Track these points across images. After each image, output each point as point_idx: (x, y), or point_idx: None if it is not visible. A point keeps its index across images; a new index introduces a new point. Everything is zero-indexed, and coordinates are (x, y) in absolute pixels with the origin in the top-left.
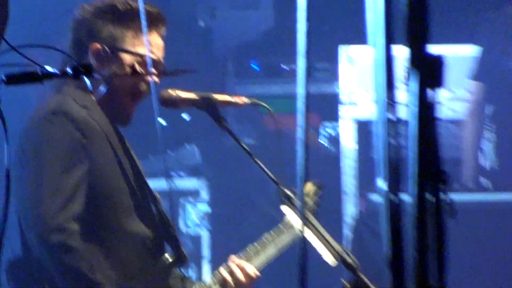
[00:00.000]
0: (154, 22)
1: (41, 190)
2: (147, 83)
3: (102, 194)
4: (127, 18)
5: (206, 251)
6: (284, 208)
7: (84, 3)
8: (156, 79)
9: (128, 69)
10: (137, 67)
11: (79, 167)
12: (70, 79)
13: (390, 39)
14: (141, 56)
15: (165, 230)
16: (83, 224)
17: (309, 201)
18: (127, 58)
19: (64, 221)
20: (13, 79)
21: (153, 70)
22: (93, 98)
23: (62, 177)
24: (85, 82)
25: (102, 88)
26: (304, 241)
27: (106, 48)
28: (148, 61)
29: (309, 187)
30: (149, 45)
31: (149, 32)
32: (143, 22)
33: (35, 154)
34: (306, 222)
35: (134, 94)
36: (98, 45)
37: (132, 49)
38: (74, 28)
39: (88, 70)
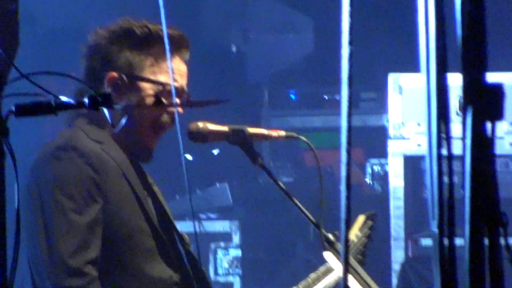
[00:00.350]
0: (176, 46)
1: (53, 233)
2: (170, 114)
3: (120, 235)
4: (146, 43)
5: None
6: (326, 255)
7: (98, 28)
8: (180, 109)
9: (148, 99)
10: (159, 97)
11: (93, 206)
12: (85, 111)
13: (443, 67)
14: (162, 84)
15: (194, 274)
16: (100, 269)
17: (359, 235)
18: (147, 87)
19: (81, 265)
20: (23, 110)
21: (177, 100)
22: (108, 132)
23: (75, 218)
24: (99, 115)
25: (123, 121)
26: None
27: (124, 77)
28: (172, 90)
29: (361, 219)
30: (173, 72)
31: (172, 58)
32: (167, 47)
33: (44, 195)
34: (350, 270)
35: (156, 127)
36: (114, 74)
37: (153, 77)
38: (88, 55)
39: (107, 100)
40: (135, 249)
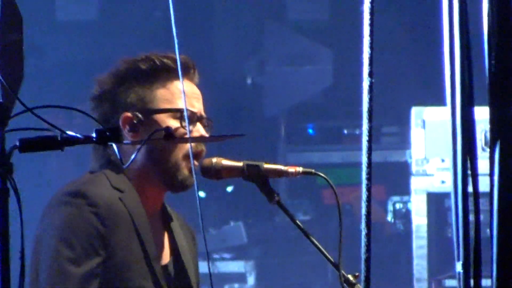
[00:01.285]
0: (184, 69)
1: (45, 281)
2: (197, 154)
3: None
4: (153, 75)
5: None
6: None
7: (96, 77)
8: (204, 132)
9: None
10: (169, 130)
11: (93, 259)
12: (114, 160)
13: (469, 100)
14: (179, 110)
15: None
16: None
17: None
18: (164, 118)
19: None
20: (28, 145)
21: (196, 126)
22: (127, 178)
23: (70, 269)
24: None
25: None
26: None
27: (138, 115)
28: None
29: None
30: (187, 96)
31: (179, 82)
32: (180, 73)
33: (44, 239)
34: None
35: (188, 156)
36: (128, 114)
37: (168, 105)
38: (96, 106)
39: (116, 135)
40: None
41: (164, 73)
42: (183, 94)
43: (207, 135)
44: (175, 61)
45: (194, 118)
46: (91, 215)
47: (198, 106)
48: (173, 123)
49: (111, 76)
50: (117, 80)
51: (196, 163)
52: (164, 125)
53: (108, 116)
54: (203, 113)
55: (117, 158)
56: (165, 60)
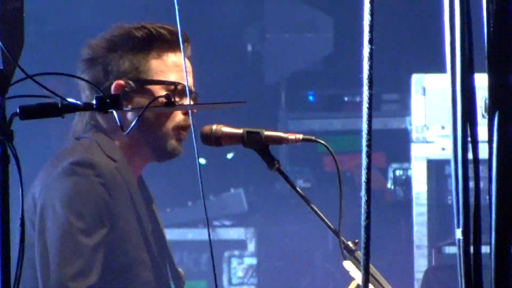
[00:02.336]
0: (177, 41)
1: (57, 252)
2: (185, 114)
3: (120, 264)
4: (148, 43)
5: None
6: (347, 264)
7: (90, 40)
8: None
9: (160, 100)
10: (169, 97)
11: (101, 229)
12: (99, 121)
13: (470, 67)
14: (173, 83)
15: None
16: None
17: None
18: (156, 88)
19: None
20: (29, 113)
21: (187, 99)
22: (119, 146)
23: (82, 240)
24: (111, 127)
25: (134, 123)
26: None
27: (131, 83)
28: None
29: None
30: (180, 70)
31: (175, 54)
32: (182, 48)
33: (53, 209)
34: (371, 279)
35: (176, 127)
36: (121, 81)
37: (161, 77)
38: (87, 68)
39: (117, 102)
40: (132, 280)
41: (159, 43)
42: (185, 70)
43: (194, 111)
44: (170, 32)
45: (185, 92)
46: (99, 186)
47: (189, 80)
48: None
49: (105, 41)
50: (110, 46)
51: (184, 134)
52: (157, 95)
53: (100, 81)
54: (192, 88)
55: (103, 122)
56: (161, 30)
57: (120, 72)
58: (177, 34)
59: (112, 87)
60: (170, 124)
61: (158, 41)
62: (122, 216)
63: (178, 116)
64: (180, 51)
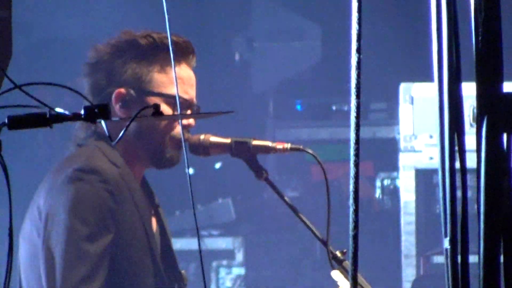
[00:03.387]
0: (183, 53)
1: (62, 259)
2: (183, 127)
3: (124, 270)
4: (152, 53)
5: None
6: (334, 274)
7: (97, 44)
8: (191, 122)
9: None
10: (157, 107)
11: (106, 236)
12: (99, 129)
13: (457, 76)
14: (173, 97)
15: None
16: None
17: None
18: (156, 100)
19: None
20: (17, 123)
21: (188, 112)
22: (119, 153)
23: (87, 247)
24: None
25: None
26: None
27: (132, 93)
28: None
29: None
30: (182, 82)
31: (179, 65)
32: (172, 55)
33: (58, 216)
34: None
35: (172, 141)
36: (122, 90)
37: (162, 89)
38: (90, 72)
39: (105, 112)
40: (136, 286)
41: (163, 53)
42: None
43: (193, 124)
44: (175, 43)
45: (185, 105)
46: (104, 192)
47: (191, 93)
48: (165, 108)
49: (110, 47)
50: (115, 52)
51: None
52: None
53: (102, 87)
54: (194, 101)
55: (104, 131)
56: (166, 41)
57: (122, 80)
58: (182, 45)
59: (113, 95)
60: (167, 133)
61: (162, 51)
62: (126, 222)
63: (175, 126)
64: (185, 62)
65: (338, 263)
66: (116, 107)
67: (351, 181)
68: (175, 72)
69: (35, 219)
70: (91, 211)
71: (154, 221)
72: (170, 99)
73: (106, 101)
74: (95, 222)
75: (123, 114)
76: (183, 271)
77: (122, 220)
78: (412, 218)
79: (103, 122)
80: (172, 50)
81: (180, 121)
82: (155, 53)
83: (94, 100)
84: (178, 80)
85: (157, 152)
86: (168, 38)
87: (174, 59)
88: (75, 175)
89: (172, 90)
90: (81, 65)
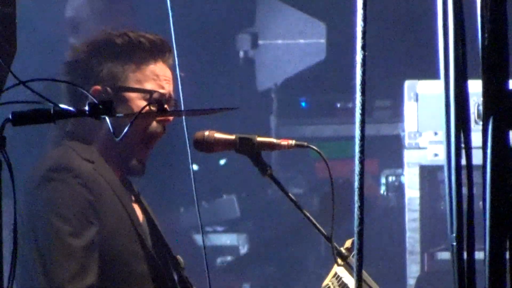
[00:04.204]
0: (158, 51)
1: (50, 259)
2: (161, 122)
3: (114, 260)
4: (127, 52)
5: None
6: (339, 270)
7: (75, 43)
8: (170, 118)
9: (137, 109)
10: (160, 103)
11: (90, 229)
12: (70, 128)
13: (463, 73)
14: (149, 92)
15: None
16: None
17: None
18: (133, 96)
19: None
20: (21, 118)
21: (165, 107)
22: (97, 150)
23: (72, 242)
24: (85, 131)
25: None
26: None
27: (108, 89)
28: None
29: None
30: (158, 78)
31: (155, 63)
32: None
33: (37, 219)
34: (364, 286)
35: (146, 138)
36: (98, 87)
37: (138, 86)
38: (68, 72)
39: (109, 108)
40: (129, 275)
41: (139, 51)
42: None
43: (171, 119)
44: (150, 41)
45: (163, 99)
46: (79, 186)
47: (167, 88)
48: (142, 103)
49: (86, 46)
50: (91, 51)
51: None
52: (133, 103)
53: (78, 85)
54: (172, 95)
55: (79, 128)
56: (141, 39)
57: (99, 78)
58: (158, 43)
59: (90, 92)
60: (136, 136)
61: (137, 49)
62: (108, 212)
63: (152, 124)
64: (161, 60)
65: (342, 259)
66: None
67: (356, 178)
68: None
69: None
70: (69, 208)
71: (138, 210)
72: (146, 95)
73: (82, 99)
74: (76, 217)
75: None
76: (178, 256)
77: (104, 210)
78: (417, 215)
79: (107, 119)
80: (147, 48)
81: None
82: (131, 51)
83: (70, 98)
84: (154, 76)
85: (123, 159)
86: (145, 37)
87: (150, 57)
88: (48, 176)
89: (148, 86)
90: (59, 65)
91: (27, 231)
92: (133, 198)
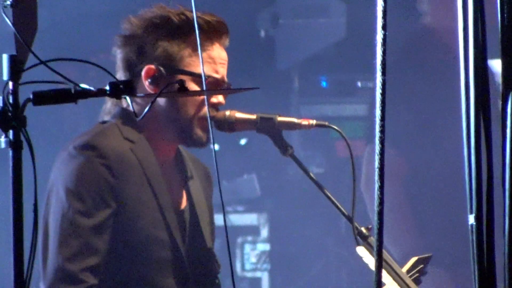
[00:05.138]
0: (216, 33)
1: (55, 234)
2: (211, 104)
3: (132, 244)
4: (184, 32)
5: None
6: (360, 250)
7: (131, 16)
8: (222, 99)
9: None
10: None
11: (104, 210)
12: (126, 112)
13: (482, 52)
14: (203, 76)
15: None
16: (103, 280)
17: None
18: (186, 79)
19: (78, 271)
20: (42, 98)
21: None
22: (144, 135)
23: (81, 221)
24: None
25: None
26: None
27: (162, 70)
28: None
29: (412, 260)
30: (213, 62)
31: (212, 45)
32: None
33: (54, 192)
34: (384, 265)
35: (200, 119)
36: (152, 67)
37: (193, 68)
38: (122, 45)
39: (130, 88)
40: (147, 260)
41: (194, 33)
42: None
43: (223, 102)
44: (208, 23)
45: (216, 84)
46: (101, 167)
47: (222, 72)
48: (195, 87)
49: (143, 21)
50: (148, 27)
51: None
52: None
53: (132, 62)
54: (225, 79)
55: (129, 109)
56: (198, 20)
57: (154, 57)
58: (216, 25)
59: (143, 71)
60: (196, 114)
61: (193, 30)
62: (131, 195)
63: (204, 107)
64: (217, 42)
65: (363, 239)
66: (146, 83)
67: (377, 158)
68: (200, 52)
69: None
70: (87, 187)
71: (184, 195)
72: (199, 78)
73: (136, 76)
74: (91, 197)
75: (152, 91)
76: (217, 258)
77: (126, 193)
78: None
79: (128, 98)
80: (204, 29)
81: (206, 97)
82: (187, 32)
83: (124, 74)
84: (209, 59)
85: (185, 132)
86: (202, 18)
87: (207, 39)
88: (73, 152)
89: (204, 70)
90: (115, 36)
91: (45, 202)
92: (180, 182)
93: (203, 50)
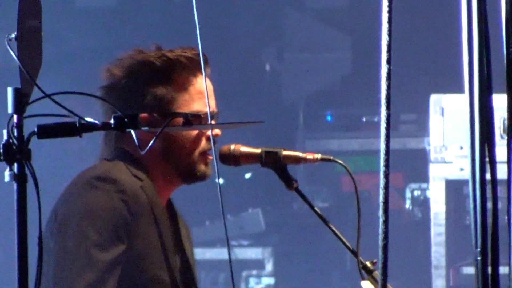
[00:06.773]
0: (198, 66)
1: (71, 264)
2: (208, 139)
3: (137, 283)
4: (168, 74)
5: None
6: (364, 284)
7: (109, 65)
8: (218, 131)
9: (185, 131)
10: (187, 117)
11: (118, 246)
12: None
13: (488, 87)
14: (198, 115)
15: None
16: None
17: None
18: (181, 119)
19: None
20: (47, 131)
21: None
22: (148, 175)
23: (97, 254)
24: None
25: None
26: None
27: (156, 116)
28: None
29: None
30: (203, 96)
31: (195, 78)
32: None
33: (71, 222)
34: None
35: (199, 154)
36: (145, 115)
37: (185, 107)
38: (106, 96)
39: (134, 122)
40: None
41: (179, 71)
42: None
43: (220, 133)
44: (189, 59)
45: (211, 117)
46: (120, 202)
47: (212, 103)
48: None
49: (124, 70)
50: (129, 75)
51: (210, 157)
52: (179, 123)
53: (119, 110)
54: (215, 109)
55: (131, 147)
56: (180, 58)
57: (143, 104)
58: (196, 58)
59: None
60: (196, 150)
61: (177, 69)
62: (142, 234)
63: (202, 141)
64: (200, 73)
65: (368, 273)
66: (142, 133)
67: (381, 192)
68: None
69: (50, 220)
70: (104, 220)
71: (180, 238)
72: (194, 117)
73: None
74: (107, 231)
75: (150, 138)
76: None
77: (138, 232)
78: (442, 229)
79: (132, 132)
80: (188, 67)
81: (211, 131)
82: (171, 72)
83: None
84: (200, 95)
85: (189, 170)
86: (181, 56)
87: (191, 75)
88: (92, 183)
89: (195, 107)
90: (96, 89)
91: (57, 232)
92: (174, 225)
93: (190, 86)
